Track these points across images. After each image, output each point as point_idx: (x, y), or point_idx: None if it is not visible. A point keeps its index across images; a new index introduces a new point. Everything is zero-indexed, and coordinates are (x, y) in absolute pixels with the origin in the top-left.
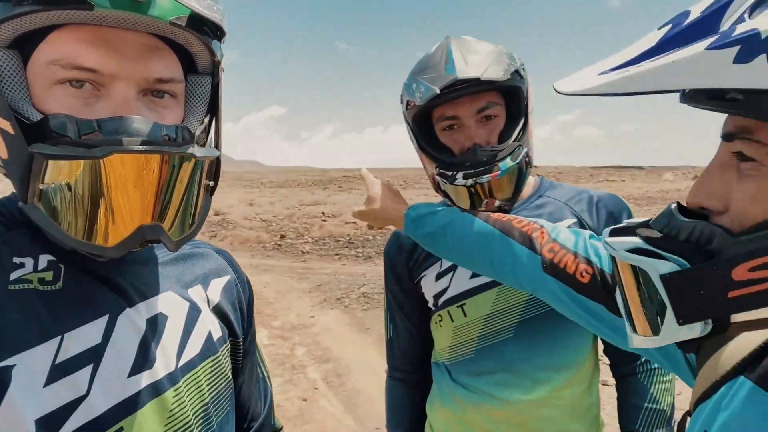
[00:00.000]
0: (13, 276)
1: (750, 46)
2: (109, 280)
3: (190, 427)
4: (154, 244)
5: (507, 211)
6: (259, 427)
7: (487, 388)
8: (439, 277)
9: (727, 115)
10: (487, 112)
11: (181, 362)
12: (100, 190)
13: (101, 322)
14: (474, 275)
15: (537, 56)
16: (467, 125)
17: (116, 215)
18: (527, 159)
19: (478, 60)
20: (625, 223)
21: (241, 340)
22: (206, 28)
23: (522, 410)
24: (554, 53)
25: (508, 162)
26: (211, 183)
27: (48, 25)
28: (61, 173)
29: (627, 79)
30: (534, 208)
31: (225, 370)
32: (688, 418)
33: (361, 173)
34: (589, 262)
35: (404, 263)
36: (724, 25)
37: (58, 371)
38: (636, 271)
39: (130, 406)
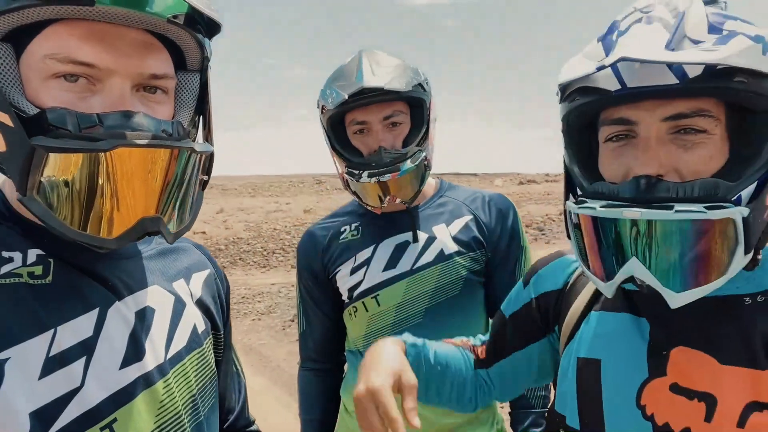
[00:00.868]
0: (3, 270)
1: (765, 44)
2: (97, 274)
3: (179, 417)
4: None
5: (412, 210)
6: (234, 420)
7: None
8: (353, 271)
9: (660, 103)
10: (393, 119)
11: (170, 354)
12: (105, 182)
13: (92, 315)
14: (387, 267)
15: None
16: (375, 130)
17: (120, 207)
18: (426, 162)
19: (384, 72)
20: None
21: (222, 333)
22: (200, 26)
23: None
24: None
25: (408, 164)
26: (206, 177)
27: (44, 20)
28: (63, 166)
29: (730, 56)
30: (436, 206)
31: (210, 362)
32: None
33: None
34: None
35: (319, 260)
36: (713, 30)
37: (53, 363)
38: (597, 224)
39: (123, 397)
